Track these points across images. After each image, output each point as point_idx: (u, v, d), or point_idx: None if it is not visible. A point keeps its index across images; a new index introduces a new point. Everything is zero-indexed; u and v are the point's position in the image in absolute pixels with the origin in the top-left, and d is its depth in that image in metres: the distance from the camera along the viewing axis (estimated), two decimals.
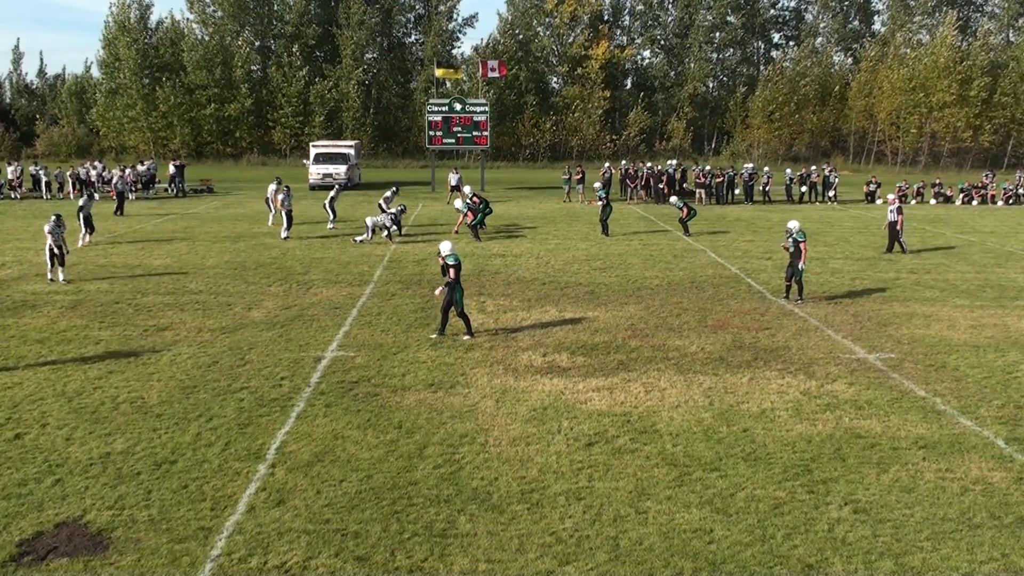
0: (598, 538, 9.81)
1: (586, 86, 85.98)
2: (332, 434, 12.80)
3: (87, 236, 30.66)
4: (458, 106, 53.69)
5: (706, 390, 14.91)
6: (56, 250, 23.65)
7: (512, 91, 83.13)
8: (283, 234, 32.37)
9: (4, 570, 9.12)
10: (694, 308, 21.21)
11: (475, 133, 53.82)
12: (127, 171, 48.55)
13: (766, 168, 53.36)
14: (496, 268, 26.59)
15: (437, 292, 18.53)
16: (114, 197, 41.55)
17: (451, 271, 17.98)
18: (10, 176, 49.55)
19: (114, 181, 43.39)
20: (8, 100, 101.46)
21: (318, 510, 10.42)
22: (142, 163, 54.75)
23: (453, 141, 54.61)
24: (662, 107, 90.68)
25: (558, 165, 58.10)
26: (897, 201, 30.52)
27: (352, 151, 58.84)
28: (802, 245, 21.72)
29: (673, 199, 36.86)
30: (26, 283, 23.63)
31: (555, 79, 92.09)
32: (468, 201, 33.76)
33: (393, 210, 33.42)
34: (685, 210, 34.48)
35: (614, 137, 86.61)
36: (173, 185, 51.94)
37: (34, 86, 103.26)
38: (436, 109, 53.74)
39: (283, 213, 32.78)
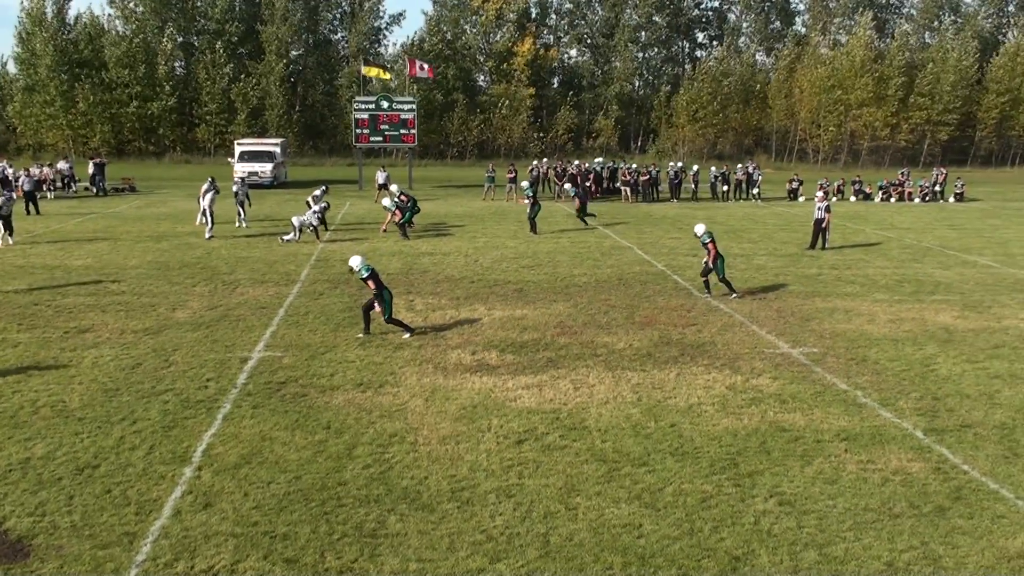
0: (528, 535, 9.84)
1: (512, 84, 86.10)
2: (260, 435, 12.64)
3: (8, 238, 29.85)
4: (385, 104, 53.47)
5: (634, 386, 15.03)
6: None
7: (440, 89, 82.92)
8: (207, 234, 31.93)
9: None
10: (622, 305, 21.38)
11: (402, 131, 53.64)
12: (33, 170, 47.40)
13: (695, 166, 54.06)
14: (425, 266, 26.51)
15: (378, 309, 18.36)
16: (21, 197, 40.57)
17: (369, 283, 18.05)
18: None
19: (20, 182, 42.16)
20: None
21: (246, 512, 10.29)
22: (65, 160, 53.50)
23: (380, 139, 54.37)
24: (589, 105, 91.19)
25: (486, 163, 58.04)
26: (825, 200, 31.04)
27: (278, 149, 58.27)
28: (709, 245, 22.09)
29: (567, 186, 37.04)
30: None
31: (482, 77, 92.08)
32: (396, 199, 33.62)
33: (317, 207, 33.10)
34: (578, 201, 35.72)
35: (541, 135, 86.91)
36: (93, 184, 50.86)
37: None
38: (363, 107, 53.44)
39: (208, 212, 32.30)
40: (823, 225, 30.39)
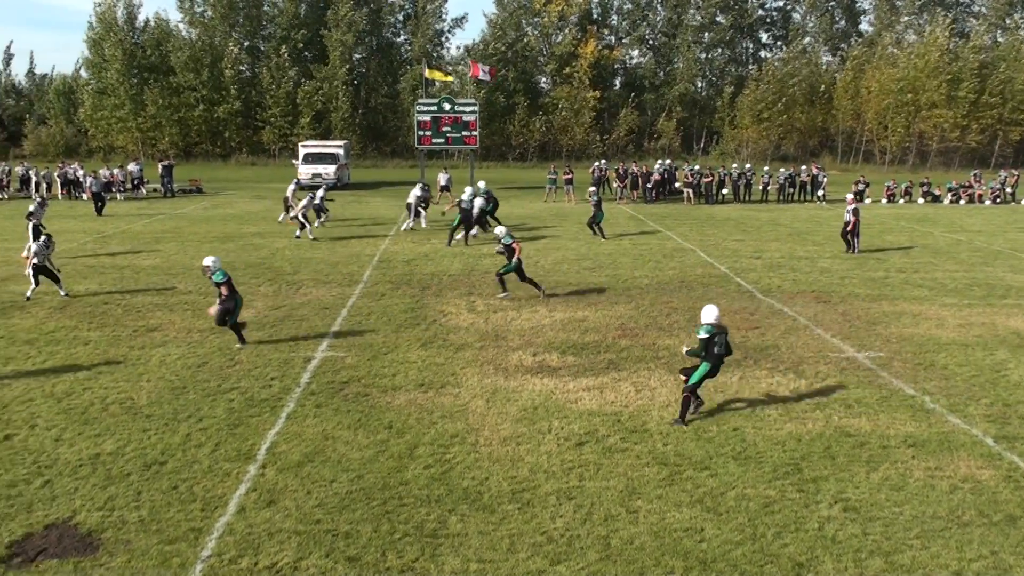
0: (589, 537, 9.82)
1: (574, 86, 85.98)
2: (322, 434, 12.78)
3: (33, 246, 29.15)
4: (447, 106, 53.62)
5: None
6: (43, 268, 22.00)
7: (501, 91, 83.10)
8: (298, 233, 32.67)
9: None
10: (684, 307, 21.24)
11: (464, 133, 53.75)
12: (102, 172, 48.44)
13: (765, 168, 53.47)
14: (486, 268, 26.57)
15: (211, 311, 17.67)
16: (90, 199, 41.56)
17: (223, 288, 17.29)
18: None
19: (88, 183, 42.92)
20: None
21: (308, 510, 10.41)
22: (135, 162, 54.55)
23: (442, 141, 54.54)
24: (651, 107, 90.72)
25: (548, 164, 58.08)
26: (854, 203, 30.65)
27: (341, 151, 58.79)
28: (514, 246, 22.23)
29: (591, 189, 35.47)
30: (15, 284, 23.51)
31: (544, 79, 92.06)
32: (481, 198, 33.70)
33: (318, 198, 35.02)
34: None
35: (603, 137, 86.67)
36: (162, 185, 51.82)
37: (22, 86, 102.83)
38: (425, 109, 53.67)
39: (301, 215, 33.05)
40: (848, 228, 29.85)
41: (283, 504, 10.56)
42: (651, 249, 30.51)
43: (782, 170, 52.69)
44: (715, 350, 13.32)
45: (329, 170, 55.55)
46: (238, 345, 17.47)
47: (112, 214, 40.50)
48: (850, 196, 32.27)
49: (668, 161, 54.19)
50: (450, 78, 67.31)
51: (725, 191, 49.64)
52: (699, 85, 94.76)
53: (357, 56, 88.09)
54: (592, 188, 35.76)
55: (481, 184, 36.48)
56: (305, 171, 54.99)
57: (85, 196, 43.26)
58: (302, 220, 32.93)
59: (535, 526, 10.07)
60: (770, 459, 11.94)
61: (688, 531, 9.96)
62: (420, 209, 35.93)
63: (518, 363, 16.46)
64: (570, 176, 49.30)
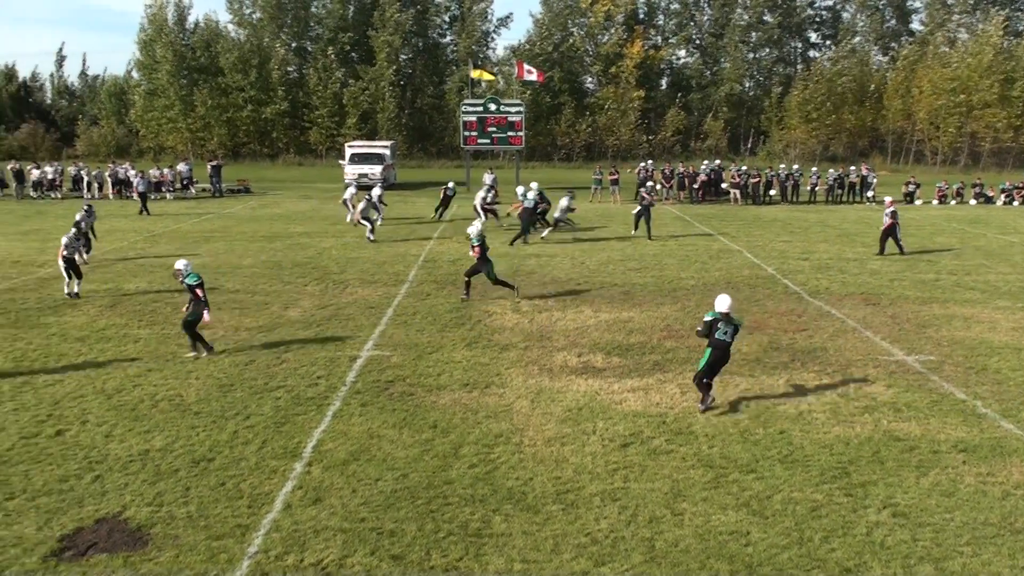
0: (634, 539, 9.79)
1: (620, 86, 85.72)
2: (368, 433, 12.85)
3: (84, 254, 26.69)
4: (493, 106, 53.75)
5: (743, 391, 14.83)
6: (71, 261, 22.20)
7: (547, 92, 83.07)
8: (370, 236, 32.65)
9: (45, 564, 9.25)
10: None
11: (510, 133, 53.87)
12: (152, 172, 49.13)
13: (813, 169, 52.94)
14: (531, 268, 26.58)
15: (207, 319, 16.87)
16: (136, 198, 42.17)
17: (197, 291, 16.63)
18: (50, 176, 50.21)
19: (136, 183, 43.44)
20: (49, 101, 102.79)
21: (354, 508, 10.47)
22: (184, 162, 55.21)
23: (488, 141, 54.69)
24: (698, 107, 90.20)
25: (594, 165, 57.96)
26: (892, 206, 30.17)
27: (387, 151, 59.04)
28: (475, 249, 21.89)
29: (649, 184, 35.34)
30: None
31: (590, 79, 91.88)
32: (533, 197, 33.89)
33: (375, 196, 35.39)
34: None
35: (649, 137, 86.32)
36: (211, 185, 52.42)
37: (74, 87, 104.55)
38: (471, 110, 53.84)
39: (360, 217, 33.63)
40: (886, 229, 29.45)
41: (329, 502, 10.64)
42: (697, 250, 30.34)
43: (831, 171, 52.13)
44: (716, 334, 13.80)
45: (375, 170, 55.78)
46: (191, 353, 16.79)
47: (161, 213, 41.03)
48: (888, 199, 31.78)
49: (718, 162, 53.81)
50: (495, 78, 67.42)
51: (772, 192, 49.23)
52: (746, 85, 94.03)
53: (404, 57, 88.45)
54: (650, 184, 35.82)
55: (534, 185, 36.58)
56: (351, 171, 55.27)
57: (134, 195, 43.86)
58: (364, 222, 33.21)
59: (579, 527, 10.05)
60: (817, 463, 11.83)
61: (734, 534, 9.90)
62: (484, 211, 35.94)
63: (563, 363, 16.45)
64: (615, 176, 49.15)
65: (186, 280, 16.82)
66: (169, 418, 13.49)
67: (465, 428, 13.09)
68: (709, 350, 13.92)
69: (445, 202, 40.17)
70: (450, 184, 41.03)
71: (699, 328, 14.30)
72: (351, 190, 38.40)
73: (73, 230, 22.64)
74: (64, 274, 22.09)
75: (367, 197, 35.11)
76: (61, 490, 10.94)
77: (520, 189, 34.15)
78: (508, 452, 12.16)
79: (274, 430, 12.98)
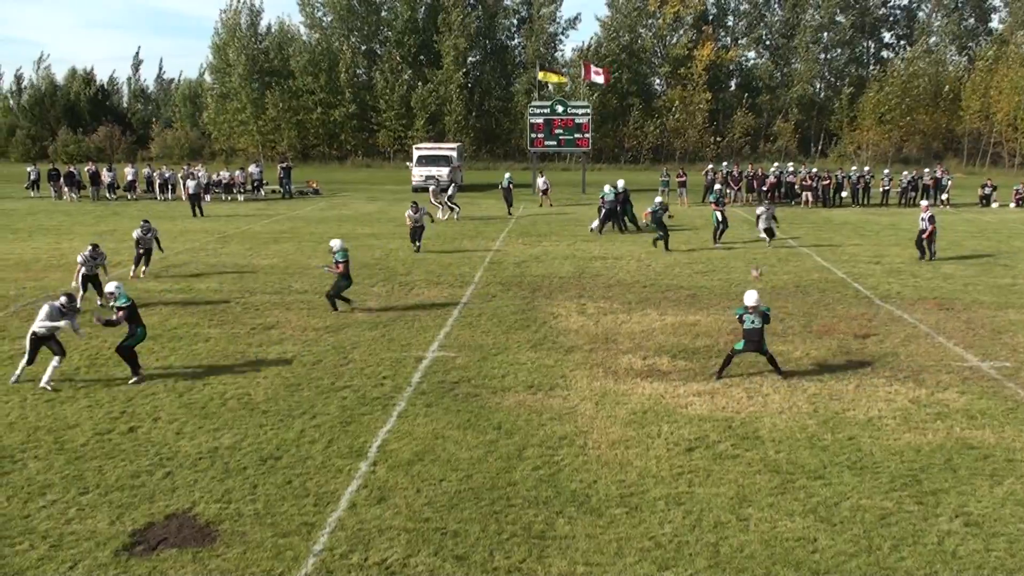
0: (698, 544, 9.71)
1: (689, 88, 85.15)
2: (432, 434, 12.92)
3: (143, 268, 25.43)
4: (560, 108, 53.73)
5: (810, 396, 14.63)
6: (92, 278, 21.74)
7: (614, 93, 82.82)
8: (456, 216, 37.86)
9: (117, 559, 9.44)
10: (799, 313, 20.84)
11: (577, 135, 53.81)
12: (198, 172, 50.09)
13: (885, 171, 52.02)
14: (596, 270, 26.51)
15: (88, 333, 16.42)
16: (185, 199, 42.91)
17: (119, 313, 15.58)
18: (130, 178, 51.37)
19: (187, 185, 43.18)
20: (125, 104, 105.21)
21: (418, 508, 10.54)
22: (255, 164, 56.02)
23: (555, 143, 54.70)
24: (767, 108, 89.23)
25: (661, 167, 57.68)
26: (929, 210, 29.18)
27: (454, 153, 59.31)
28: (339, 266, 20.84)
29: (659, 199, 31.93)
30: (140, 281, 24.40)
31: (658, 81, 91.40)
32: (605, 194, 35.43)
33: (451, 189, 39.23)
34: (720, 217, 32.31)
35: (717, 139, 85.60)
36: (281, 186, 53.13)
37: (150, 91, 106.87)
38: (538, 112, 53.90)
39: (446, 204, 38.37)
40: (924, 235, 28.54)
41: (393, 501, 10.72)
42: (765, 253, 29.99)
43: (904, 173, 51.19)
44: (745, 324, 15.57)
45: (442, 172, 56.05)
46: (133, 380, 15.49)
47: (232, 214, 41.73)
48: (924, 203, 30.88)
49: (791, 165, 53.07)
50: (563, 79, 67.37)
51: (843, 194, 48.49)
52: (818, 86, 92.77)
53: (471, 59, 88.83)
54: (717, 187, 35.27)
55: (620, 183, 36.89)
56: (418, 173, 55.63)
57: (183, 197, 44.80)
58: (450, 206, 37.86)
59: (643, 531, 10.00)
60: (887, 470, 11.63)
61: (800, 541, 9.77)
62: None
63: (628, 366, 16.39)
64: (683, 179, 48.82)
65: (116, 302, 15.74)
66: (237, 416, 13.70)
67: (529, 430, 13.10)
68: (743, 341, 15.63)
69: (508, 198, 42.74)
70: (507, 175, 44.29)
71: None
72: (432, 187, 40.79)
73: (89, 248, 21.72)
74: (80, 287, 21.44)
75: (447, 194, 39.17)
76: (133, 486, 11.17)
77: (608, 187, 35.65)
78: (572, 454, 12.14)
79: (340, 429, 13.12)
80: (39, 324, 15.26)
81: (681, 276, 25.61)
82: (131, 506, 10.62)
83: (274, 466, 11.77)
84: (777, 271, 26.41)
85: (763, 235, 32.19)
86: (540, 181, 48.21)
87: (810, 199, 46.88)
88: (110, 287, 16.02)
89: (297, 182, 56.24)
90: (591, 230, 35.50)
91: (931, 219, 28.54)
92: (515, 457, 12.06)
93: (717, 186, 34.87)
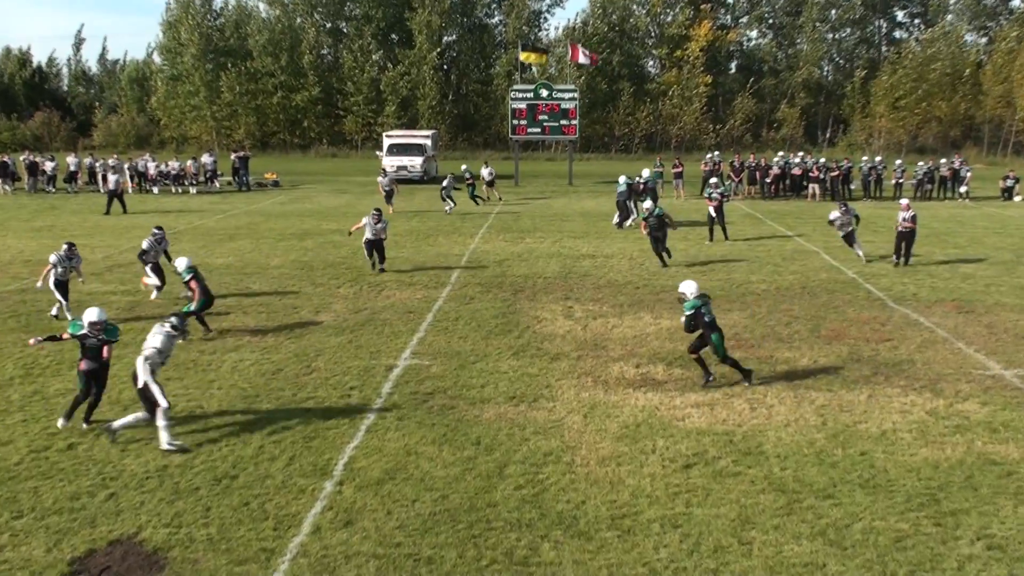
0: (696, 571, 9.70)
1: (685, 70, 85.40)
2: (405, 450, 12.87)
3: (153, 287, 23.29)
4: (545, 92, 53.81)
5: (819, 408, 14.66)
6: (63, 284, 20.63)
7: (604, 76, 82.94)
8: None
9: None
10: (806, 316, 20.90)
11: (563, 122, 53.90)
12: (172, 163, 49.94)
13: (897, 161, 52.27)
14: (585, 270, 26.52)
15: (32, 342, 14.89)
16: (104, 192, 42.59)
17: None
18: (72, 168, 50.93)
19: (110, 179, 41.64)
20: (66, 87, 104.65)
21: (389, 532, 10.49)
22: (209, 154, 55.83)
23: (538, 131, 54.77)
24: (771, 93, 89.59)
25: (654, 156, 57.85)
26: (911, 208, 27.81)
27: (428, 141, 59.29)
28: (191, 283, 19.21)
29: (647, 204, 29.12)
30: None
31: (651, 63, 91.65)
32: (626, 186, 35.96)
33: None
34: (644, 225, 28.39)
35: (717, 126, 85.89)
36: (236, 178, 52.96)
37: (92, 73, 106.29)
38: (520, 96, 53.96)
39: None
40: (902, 233, 27.35)
41: (361, 525, 10.67)
42: (769, 251, 30.09)
43: (920, 163, 51.45)
44: (707, 319, 15.50)
45: (415, 162, 56.05)
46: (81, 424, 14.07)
47: (184, 209, 41.55)
48: (904, 201, 29.31)
49: (801, 154, 53.25)
50: (545, 59, 67.44)
51: (853, 186, 48.70)
52: (825, 69, 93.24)
53: (447, 39, 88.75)
54: (713, 180, 35.01)
55: (645, 172, 37.22)
56: (390, 163, 55.53)
57: (102, 190, 44.55)
58: (443, 197, 40.31)
59: (636, 556, 9.99)
60: (903, 488, 11.65)
61: (808, 566, 9.77)
62: (632, 208, 36.65)
63: (619, 375, 16.38)
64: (679, 169, 48.90)
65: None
66: (189, 432, 13.60)
67: (511, 445, 13.06)
68: (715, 335, 15.56)
69: (471, 188, 44.54)
70: (463, 167, 46.16)
71: (686, 323, 15.71)
72: (447, 180, 41.56)
73: (64, 247, 20.75)
74: (59, 298, 20.52)
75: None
76: (72, 508, 11.07)
77: (622, 179, 36.29)
78: (558, 472, 12.12)
79: (302, 445, 13.05)
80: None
81: (677, 276, 25.60)
82: (70, 531, 10.52)
83: (229, 486, 11.69)
84: (782, 271, 26.49)
85: (857, 252, 28.32)
86: (485, 172, 47.72)
87: (817, 192, 47.07)
88: (87, 317, 13.97)
89: (255, 173, 56.07)
90: (615, 225, 36.01)
91: (913, 219, 27.47)
92: (495, 475, 12.02)
93: (713, 179, 34.78)
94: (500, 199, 45.85)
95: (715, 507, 11.13)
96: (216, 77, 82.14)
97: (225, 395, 15.26)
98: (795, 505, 11.18)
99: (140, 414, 13.23)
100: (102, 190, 49.58)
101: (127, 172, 50.56)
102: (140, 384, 13.09)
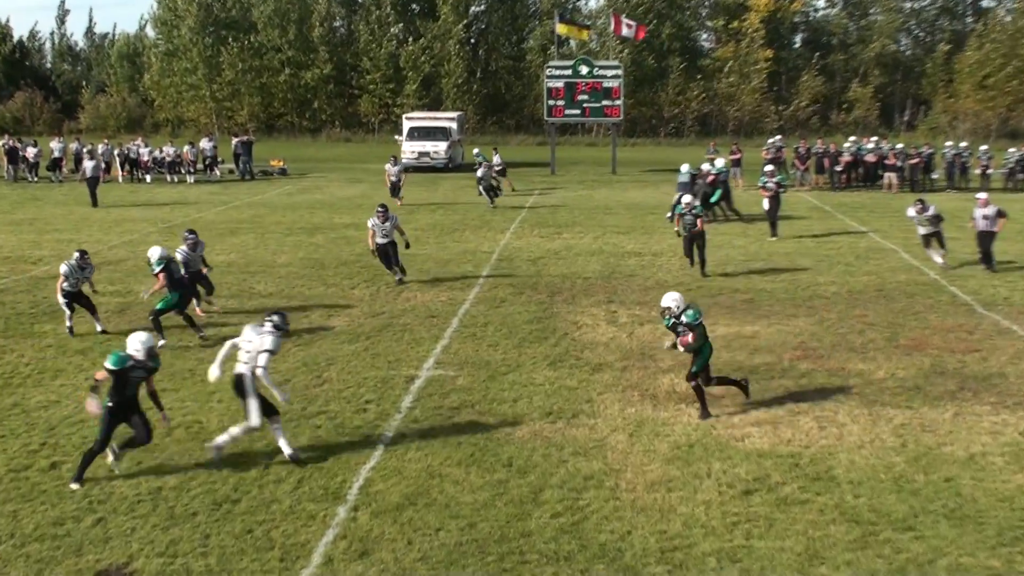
0: None
1: (743, 44, 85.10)
2: (427, 471, 12.87)
3: (199, 303, 22.02)
4: (584, 69, 53.73)
5: (897, 427, 14.55)
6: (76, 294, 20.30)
7: (652, 51, 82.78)
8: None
9: None
10: (882, 323, 20.77)
11: (605, 102, 53.81)
12: (167, 149, 50.21)
13: (983, 148, 51.83)
14: (631, 269, 26.47)
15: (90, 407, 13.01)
16: (81, 181, 42.96)
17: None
18: (56, 154, 51.14)
19: (87, 165, 41.84)
20: (49, 65, 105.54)
21: (409, 564, 10.49)
22: (208, 138, 56.09)
23: (578, 112, 54.71)
24: (841, 70, 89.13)
25: (707, 141, 57.61)
26: (990, 205, 26.58)
27: (454, 124, 59.33)
28: (159, 278, 19.43)
29: (686, 198, 27.58)
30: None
31: (705, 36, 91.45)
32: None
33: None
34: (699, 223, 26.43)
35: (780, 107, 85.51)
36: (238, 165, 53.20)
37: (79, 48, 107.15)
38: (557, 73, 53.89)
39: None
40: (983, 234, 26.58)
41: (378, 555, 10.67)
42: (840, 249, 29.94)
43: (1011, 150, 50.99)
44: (700, 329, 15.25)
45: (439, 148, 56.09)
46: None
47: (180, 201, 41.79)
48: (982, 196, 27.46)
49: (875, 139, 52.92)
50: (586, 34, 67.40)
51: (935, 175, 48.35)
52: (903, 43, 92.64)
53: (475, 9, 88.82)
54: (769, 168, 34.81)
55: (719, 162, 37.21)
56: (410, 149, 55.56)
57: (80, 178, 44.77)
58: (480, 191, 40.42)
59: None
60: (994, 520, 11.54)
61: None
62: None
63: (670, 389, 16.34)
64: (738, 156, 48.68)
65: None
66: (186, 449, 13.66)
67: (547, 467, 13.04)
68: (707, 348, 15.38)
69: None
70: (475, 152, 46.98)
71: (694, 340, 15.14)
72: (482, 170, 40.97)
73: (76, 255, 20.45)
74: (65, 308, 20.17)
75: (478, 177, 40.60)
76: (56, 535, 11.13)
77: (720, 161, 36.69)
78: (601, 498, 12.08)
79: (313, 466, 13.07)
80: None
81: (735, 277, 25.55)
82: (53, 560, 10.58)
83: (231, 511, 11.72)
84: (854, 271, 26.33)
85: (935, 257, 27.16)
86: (496, 159, 47.23)
87: (894, 181, 46.71)
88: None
89: (260, 160, 56.30)
90: (668, 219, 35.58)
91: (997, 215, 26.43)
92: (530, 501, 11.99)
93: (769, 167, 34.54)
94: (513, 189, 45.53)
95: (779, 539, 11.06)
96: (216, 52, 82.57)
97: (226, 409, 15.30)
98: (870, 538, 11.10)
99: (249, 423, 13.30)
100: (104, 178, 50.09)
101: (117, 159, 50.91)
102: (252, 395, 13.15)
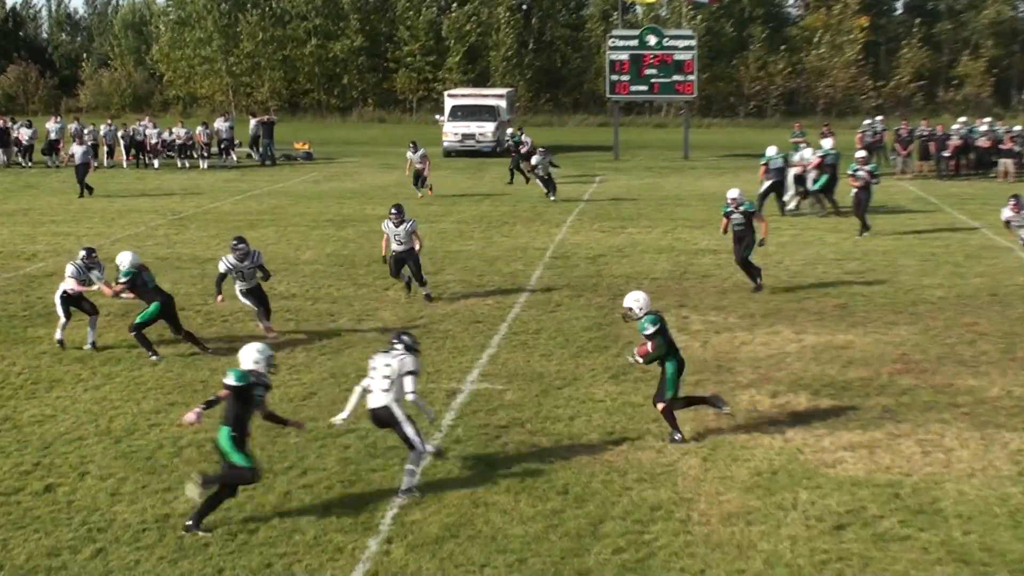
0: None
1: (836, 11, 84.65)
2: (471, 499, 12.85)
3: (263, 320, 20.88)
4: (653, 40, 53.57)
5: (1013, 453, 14.39)
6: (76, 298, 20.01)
7: (731, 19, 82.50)
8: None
9: None
10: (996, 333, 20.56)
11: (676, 77, 53.63)
12: (178, 130, 50.62)
13: None
14: (705, 269, 26.38)
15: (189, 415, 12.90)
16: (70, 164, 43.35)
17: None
18: (53, 136, 51.30)
19: (76, 151, 42.26)
20: (45, 35, 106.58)
21: None
22: (224, 118, 56.37)
23: (645, 89, 54.57)
24: (949, 41, 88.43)
25: (794, 121, 57.26)
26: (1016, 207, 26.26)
27: (503, 103, 59.32)
28: (118, 286, 19.50)
29: (732, 193, 24.68)
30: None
31: (792, 1, 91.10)
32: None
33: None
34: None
35: (878, 84, 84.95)
36: (257, 149, 53.42)
37: (79, 17, 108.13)
38: (622, 45, 53.78)
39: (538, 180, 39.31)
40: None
41: None
42: (947, 247, 29.70)
43: None
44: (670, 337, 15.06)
45: (486, 129, 56.04)
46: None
47: (193, 189, 42.04)
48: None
49: (989, 120, 52.46)
50: (655, 0, 67.33)
51: None
52: (1021, 8, 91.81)
53: None
54: (860, 154, 34.59)
55: (827, 142, 37.33)
56: (453, 130, 55.57)
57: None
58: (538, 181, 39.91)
59: None
60: None
61: None
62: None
63: (750, 407, 16.26)
64: (829, 139, 48.36)
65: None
66: (197, 470, 13.70)
67: (608, 496, 13.00)
68: (673, 363, 14.91)
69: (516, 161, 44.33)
70: (509, 131, 47.57)
71: (653, 349, 14.77)
72: (536, 158, 40.40)
73: (83, 253, 20.23)
74: (61, 315, 19.88)
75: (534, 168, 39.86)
76: (51, 567, 11.19)
77: (771, 150, 36.21)
78: (670, 532, 12.02)
79: (340, 492, 13.09)
80: None
81: (826, 278, 25.39)
82: None
83: (247, 543, 11.75)
84: (964, 273, 26.08)
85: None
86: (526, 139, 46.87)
87: (1011, 169, 46.27)
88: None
89: (282, 143, 56.51)
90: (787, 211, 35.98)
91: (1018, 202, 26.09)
92: (588, 535, 11.96)
93: (861, 152, 34.25)
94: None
95: None
96: (233, 21, 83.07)
97: None
98: None
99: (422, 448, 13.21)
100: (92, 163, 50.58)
101: (122, 141, 51.26)
102: (406, 422, 13.16)
